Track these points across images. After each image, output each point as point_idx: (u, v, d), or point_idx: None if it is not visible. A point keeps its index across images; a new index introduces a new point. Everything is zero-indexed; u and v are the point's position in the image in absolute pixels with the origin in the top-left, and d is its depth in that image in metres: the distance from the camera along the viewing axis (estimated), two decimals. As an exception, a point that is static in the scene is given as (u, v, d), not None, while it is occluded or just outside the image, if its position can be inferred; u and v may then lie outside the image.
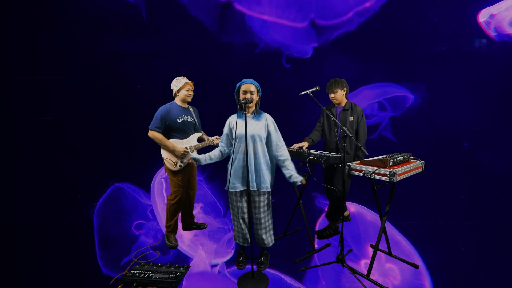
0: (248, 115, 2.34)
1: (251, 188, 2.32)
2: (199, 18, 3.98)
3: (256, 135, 2.29)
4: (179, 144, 2.86)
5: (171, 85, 2.92)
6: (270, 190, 2.39)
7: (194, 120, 2.98)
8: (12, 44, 3.90)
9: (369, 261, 2.37)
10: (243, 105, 2.17)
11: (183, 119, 2.87)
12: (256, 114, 2.37)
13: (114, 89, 4.04)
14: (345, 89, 2.86)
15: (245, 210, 2.39)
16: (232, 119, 2.41)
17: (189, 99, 2.94)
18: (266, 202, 2.39)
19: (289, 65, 4.07)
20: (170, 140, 2.83)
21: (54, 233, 3.15)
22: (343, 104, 2.88)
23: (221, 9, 3.97)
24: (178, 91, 2.87)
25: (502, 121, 3.74)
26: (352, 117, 2.83)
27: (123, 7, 3.94)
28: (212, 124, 3.06)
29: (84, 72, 4.02)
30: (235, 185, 2.36)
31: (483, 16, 3.61)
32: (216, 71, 4.14)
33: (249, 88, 2.30)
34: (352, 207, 3.34)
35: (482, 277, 2.37)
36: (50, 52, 3.95)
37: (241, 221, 2.42)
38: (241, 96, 2.31)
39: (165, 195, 3.02)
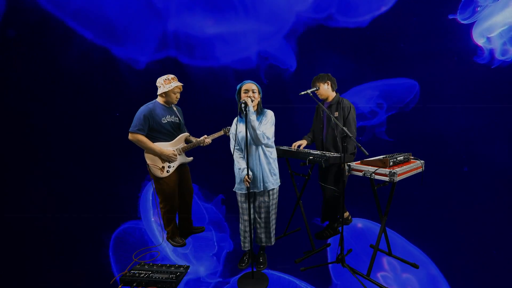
0: None
1: (256, 190, 2.36)
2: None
3: None
4: (165, 147, 2.66)
5: (158, 82, 2.65)
6: (274, 188, 2.40)
7: (179, 120, 2.79)
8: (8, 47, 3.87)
9: (384, 273, 2.39)
10: (243, 106, 2.13)
11: (168, 120, 2.66)
12: (257, 115, 2.35)
13: (112, 92, 4.01)
14: (329, 82, 2.78)
15: (251, 211, 2.40)
16: (236, 121, 2.41)
17: (175, 102, 2.73)
18: (272, 202, 2.42)
19: (266, 81, 4.06)
20: (155, 143, 2.62)
21: (53, 237, 3.15)
22: (330, 99, 2.82)
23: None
24: (166, 93, 2.63)
25: (501, 120, 3.74)
26: (337, 112, 2.74)
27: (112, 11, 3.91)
28: (207, 125, 3.06)
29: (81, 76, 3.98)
30: (241, 186, 2.37)
31: (478, 37, 3.63)
32: (211, 71, 4.13)
33: (251, 87, 2.29)
34: (359, 223, 3.30)
35: (496, 277, 2.37)
36: (47, 55, 3.92)
37: (245, 222, 2.43)
38: (243, 95, 2.29)
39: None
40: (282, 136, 2.42)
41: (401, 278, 2.40)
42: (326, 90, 2.78)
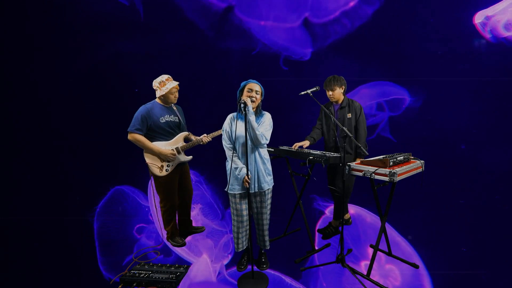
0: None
1: (250, 190, 2.31)
2: (197, 20, 3.96)
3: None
4: (164, 146, 2.67)
5: (154, 83, 2.66)
6: (269, 188, 2.38)
7: (179, 119, 2.79)
8: (10, 46, 3.88)
9: (369, 262, 2.37)
10: (242, 106, 2.12)
11: (166, 119, 2.67)
12: (256, 115, 2.33)
13: (113, 91, 4.01)
14: (343, 87, 2.81)
15: (244, 212, 2.36)
16: (232, 118, 2.37)
17: (175, 102, 2.75)
18: (266, 203, 2.39)
19: (287, 68, 4.05)
20: (154, 143, 2.65)
21: (53, 236, 3.14)
22: (340, 101, 2.85)
23: (220, 12, 3.96)
24: (163, 95, 2.64)
25: (500, 121, 3.74)
26: (350, 114, 2.79)
27: (121, 9, 3.91)
28: (208, 124, 3.04)
29: (84, 73, 3.99)
30: (234, 186, 2.34)
31: (478, 18, 3.59)
32: (215, 72, 4.13)
33: (255, 87, 2.28)
34: (351, 209, 3.32)
35: (482, 277, 2.37)
36: (48, 54, 3.93)
37: (239, 224, 2.38)
38: (245, 94, 2.27)
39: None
40: (283, 135, 2.41)
41: (384, 269, 2.43)
42: (340, 94, 2.80)
